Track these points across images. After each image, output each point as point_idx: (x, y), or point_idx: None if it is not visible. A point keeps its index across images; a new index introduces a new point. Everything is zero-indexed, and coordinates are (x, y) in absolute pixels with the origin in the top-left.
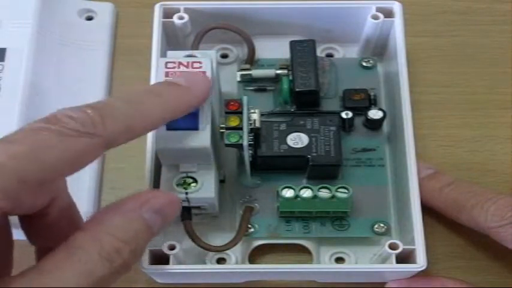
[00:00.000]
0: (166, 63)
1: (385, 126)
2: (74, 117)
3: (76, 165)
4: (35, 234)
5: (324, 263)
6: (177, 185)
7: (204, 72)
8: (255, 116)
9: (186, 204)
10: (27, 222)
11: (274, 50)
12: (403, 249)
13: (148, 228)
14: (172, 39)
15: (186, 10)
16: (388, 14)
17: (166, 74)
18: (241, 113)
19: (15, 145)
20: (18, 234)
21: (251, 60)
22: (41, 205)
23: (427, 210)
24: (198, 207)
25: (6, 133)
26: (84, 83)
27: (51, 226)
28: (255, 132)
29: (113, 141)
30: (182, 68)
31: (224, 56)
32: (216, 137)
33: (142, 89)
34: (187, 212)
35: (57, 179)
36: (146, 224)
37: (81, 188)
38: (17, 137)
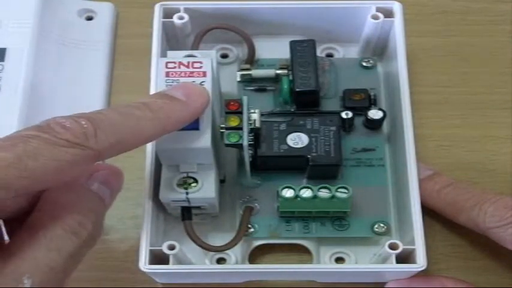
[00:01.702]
0: (166, 63)
1: (385, 126)
2: (67, 127)
3: (62, 175)
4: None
5: (324, 263)
6: (177, 185)
7: (204, 73)
8: (255, 116)
9: (186, 204)
10: (11, 224)
11: (274, 50)
12: (403, 249)
13: (100, 199)
14: (172, 39)
15: (186, 10)
16: (388, 14)
17: (167, 74)
18: (241, 113)
19: (2, 152)
20: None
21: (251, 60)
22: (25, 209)
23: (427, 210)
24: (198, 207)
25: (6, 133)
26: (84, 83)
27: None
28: (255, 132)
29: (103, 154)
30: (182, 68)
31: (224, 56)
32: (216, 137)
33: (138, 103)
34: (187, 212)
35: (43, 189)
36: (97, 196)
37: None
38: (5, 144)
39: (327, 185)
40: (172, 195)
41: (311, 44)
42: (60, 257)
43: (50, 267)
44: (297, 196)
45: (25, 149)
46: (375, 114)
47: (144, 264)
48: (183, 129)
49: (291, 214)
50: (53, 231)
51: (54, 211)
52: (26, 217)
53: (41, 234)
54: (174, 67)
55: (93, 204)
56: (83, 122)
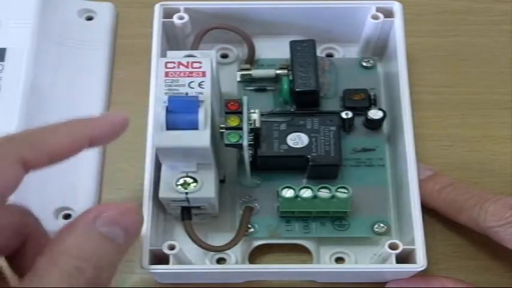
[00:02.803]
0: (166, 63)
1: (385, 126)
2: None
3: None
4: (19, 272)
5: (324, 263)
6: (177, 185)
7: (204, 73)
8: (255, 116)
9: (186, 204)
10: (9, 261)
11: (274, 50)
12: (403, 249)
13: (109, 241)
14: (172, 39)
15: (186, 10)
16: (388, 14)
17: (166, 74)
18: (241, 113)
19: None
20: None
21: (251, 60)
22: (14, 247)
23: (427, 210)
24: (198, 207)
25: (6, 133)
26: (84, 83)
27: (31, 264)
28: (255, 132)
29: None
30: (182, 68)
31: (224, 56)
32: (216, 137)
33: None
34: (187, 212)
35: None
36: (104, 238)
37: (81, 188)
38: None
39: (327, 185)
40: (172, 195)
41: (311, 44)
42: None
43: None
44: (297, 196)
45: None
46: (375, 114)
47: (144, 264)
48: (183, 129)
49: (291, 214)
50: (50, 278)
51: (53, 254)
52: (19, 255)
53: (38, 281)
54: (174, 67)
55: (96, 247)
56: None
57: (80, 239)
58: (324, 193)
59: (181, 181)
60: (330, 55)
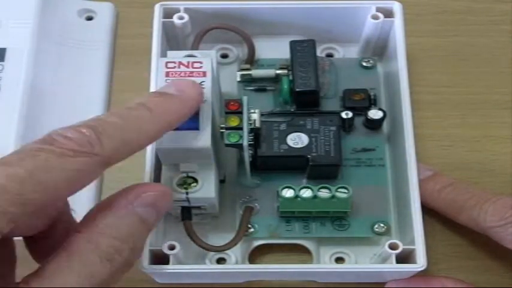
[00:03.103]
0: (166, 63)
1: (385, 126)
2: (70, 138)
3: (76, 185)
4: (39, 255)
5: (324, 263)
6: (177, 185)
7: (204, 73)
8: (255, 116)
9: (186, 204)
10: (30, 243)
11: (274, 50)
12: (403, 249)
13: (143, 222)
14: (172, 39)
15: (186, 10)
16: (388, 14)
17: (167, 74)
18: (241, 113)
19: (14, 167)
20: None
21: (251, 60)
22: (42, 227)
23: (427, 210)
24: (198, 207)
25: (6, 133)
26: (84, 83)
27: (55, 248)
28: (255, 132)
29: (111, 159)
30: (182, 68)
31: (224, 56)
32: (216, 137)
33: (135, 104)
34: (187, 212)
35: (58, 201)
36: (140, 219)
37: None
38: (15, 159)
39: (327, 185)
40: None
41: (311, 44)
42: (91, 284)
43: None
44: (297, 196)
45: (35, 163)
46: (375, 114)
47: (144, 264)
48: (183, 129)
49: (291, 214)
50: (87, 257)
51: (92, 235)
52: (45, 237)
53: (74, 259)
54: (174, 67)
55: (133, 228)
56: (84, 130)
57: (118, 220)
58: (324, 193)
59: (181, 181)
60: (330, 55)
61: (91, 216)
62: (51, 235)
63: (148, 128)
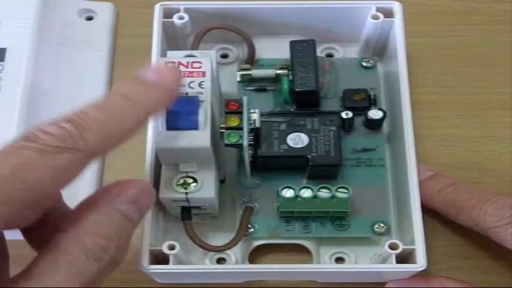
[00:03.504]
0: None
1: (385, 126)
2: (51, 133)
3: (61, 181)
4: (36, 244)
5: (324, 263)
6: (177, 185)
7: (203, 73)
8: (255, 116)
9: (186, 204)
10: (26, 233)
11: (274, 50)
12: (403, 249)
13: (128, 219)
14: (172, 39)
15: (186, 10)
16: (388, 14)
17: None
18: (241, 113)
19: None
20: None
21: (251, 60)
22: (36, 219)
23: (427, 210)
24: (198, 207)
25: (6, 132)
26: (84, 83)
27: (50, 236)
28: (255, 132)
29: (94, 153)
30: (182, 68)
31: (224, 56)
32: (216, 137)
33: (115, 95)
34: (187, 212)
35: (47, 196)
36: (124, 216)
37: (81, 188)
38: None
39: (327, 185)
40: (172, 195)
41: (311, 44)
42: (79, 283)
43: None
44: (297, 196)
45: (18, 162)
46: (375, 114)
47: (144, 264)
48: (183, 129)
49: (291, 214)
50: (73, 256)
51: (77, 234)
52: (39, 227)
53: (61, 259)
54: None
55: (118, 225)
56: (66, 125)
57: (103, 218)
58: (324, 193)
59: (181, 181)
60: (330, 55)
61: (76, 215)
62: (44, 225)
63: (130, 118)
